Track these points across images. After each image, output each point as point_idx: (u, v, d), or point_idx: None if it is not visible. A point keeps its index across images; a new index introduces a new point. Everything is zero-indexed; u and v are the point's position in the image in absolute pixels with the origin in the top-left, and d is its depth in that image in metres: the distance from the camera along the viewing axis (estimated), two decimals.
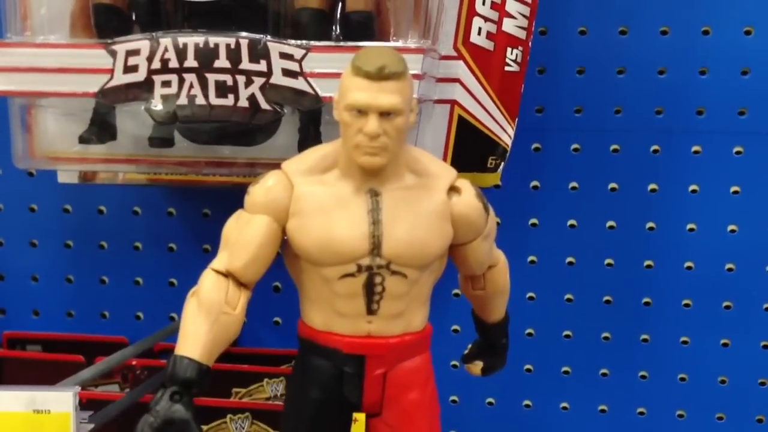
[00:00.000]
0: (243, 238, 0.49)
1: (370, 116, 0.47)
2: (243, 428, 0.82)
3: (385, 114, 0.47)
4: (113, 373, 0.96)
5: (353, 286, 0.45)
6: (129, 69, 0.70)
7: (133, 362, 0.96)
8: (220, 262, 0.49)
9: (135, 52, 0.70)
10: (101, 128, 0.75)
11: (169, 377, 0.44)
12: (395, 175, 0.49)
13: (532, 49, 0.80)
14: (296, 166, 0.52)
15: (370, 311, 0.46)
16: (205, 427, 0.83)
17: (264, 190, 0.52)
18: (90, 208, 1.07)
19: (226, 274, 0.47)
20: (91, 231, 1.08)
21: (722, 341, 0.98)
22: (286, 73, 0.69)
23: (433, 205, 0.49)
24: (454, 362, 0.99)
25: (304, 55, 0.68)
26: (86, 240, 1.08)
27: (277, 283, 1.06)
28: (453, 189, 0.51)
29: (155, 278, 1.08)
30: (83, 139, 0.75)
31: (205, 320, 0.45)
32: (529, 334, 1.01)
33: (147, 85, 0.70)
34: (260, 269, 0.49)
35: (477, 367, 0.55)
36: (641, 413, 1.00)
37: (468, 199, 0.51)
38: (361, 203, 0.48)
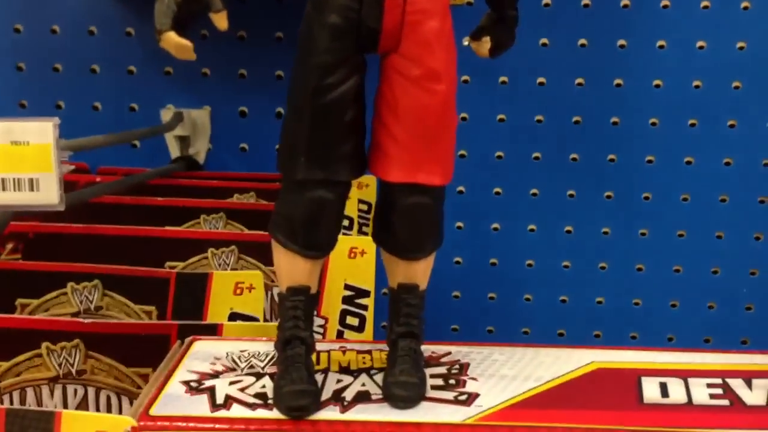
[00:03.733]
0: None
1: None
2: (228, 263, 0.77)
3: None
4: None
5: None
6: None
7: (97, 179, 0.93)
8: None
9: None
10: None
11: None
12: None
13: None
14: None
15: None
16: (181, 264, 0.78)
17: None
18: (42, 27, 1.02)
19: None
20: (45, 52, 1.02)
21: (686, 159, 1.00)
22: None
23: None
24: None
25: None
26: (39, 62, 1.03)
27: (243, 108, 1.03)
28: None
29: (114, 103, 1.04)
30: None
31: None
32: (499, 157, 1.02)
33: None
34: None
35: (485, 46, 0.53)
36: (605, 233, 1.02)
37: None
38: None
